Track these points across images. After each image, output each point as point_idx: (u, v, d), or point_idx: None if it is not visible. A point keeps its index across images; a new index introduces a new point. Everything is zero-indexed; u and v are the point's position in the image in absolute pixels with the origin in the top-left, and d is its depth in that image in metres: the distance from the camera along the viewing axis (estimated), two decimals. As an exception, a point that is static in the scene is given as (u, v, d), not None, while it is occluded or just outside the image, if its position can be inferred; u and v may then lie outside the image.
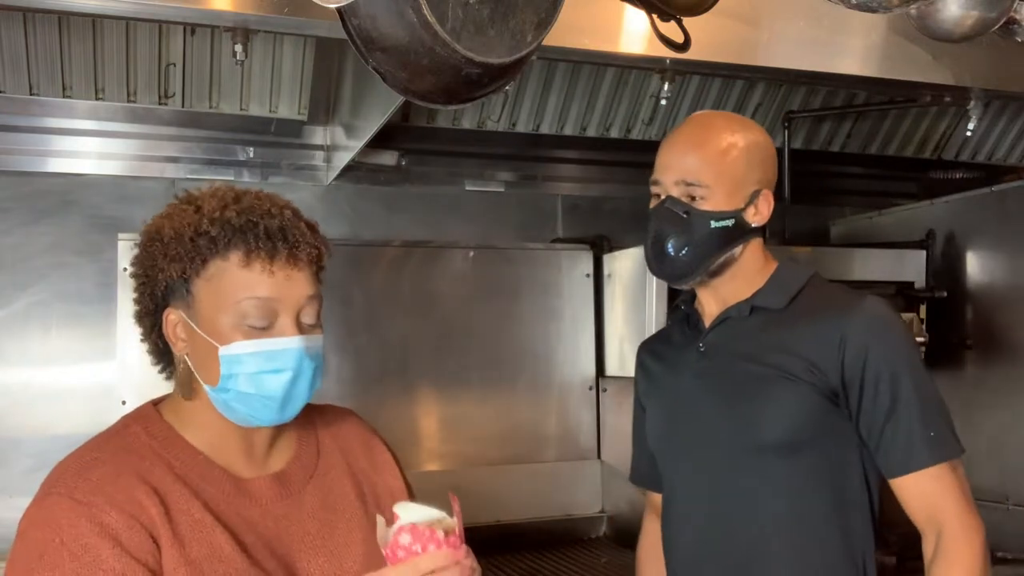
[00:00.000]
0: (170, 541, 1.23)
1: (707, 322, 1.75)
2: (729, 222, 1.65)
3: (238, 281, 1.28)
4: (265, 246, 1.29)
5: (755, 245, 1.71)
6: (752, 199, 1.67)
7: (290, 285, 1.30)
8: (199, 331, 1.30)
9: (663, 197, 1.68)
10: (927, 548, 1.60)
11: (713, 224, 1.64)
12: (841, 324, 1.60)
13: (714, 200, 1.64)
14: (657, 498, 1.87)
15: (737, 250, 1.69)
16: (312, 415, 1.48)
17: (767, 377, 1.63)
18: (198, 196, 1.36)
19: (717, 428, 1.68)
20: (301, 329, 1.32)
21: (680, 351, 1.79)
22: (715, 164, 1.64)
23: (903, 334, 1.65)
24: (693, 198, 1.65)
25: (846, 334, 1.59)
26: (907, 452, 1.58)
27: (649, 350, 1.90)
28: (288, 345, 1.30)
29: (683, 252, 1.65)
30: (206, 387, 1.32)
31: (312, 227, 1.37)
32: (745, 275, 1.71)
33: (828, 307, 1.65)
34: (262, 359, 1.29)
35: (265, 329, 1.29)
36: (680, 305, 1.84)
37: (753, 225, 1.68)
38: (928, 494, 1.59)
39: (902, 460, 1.59)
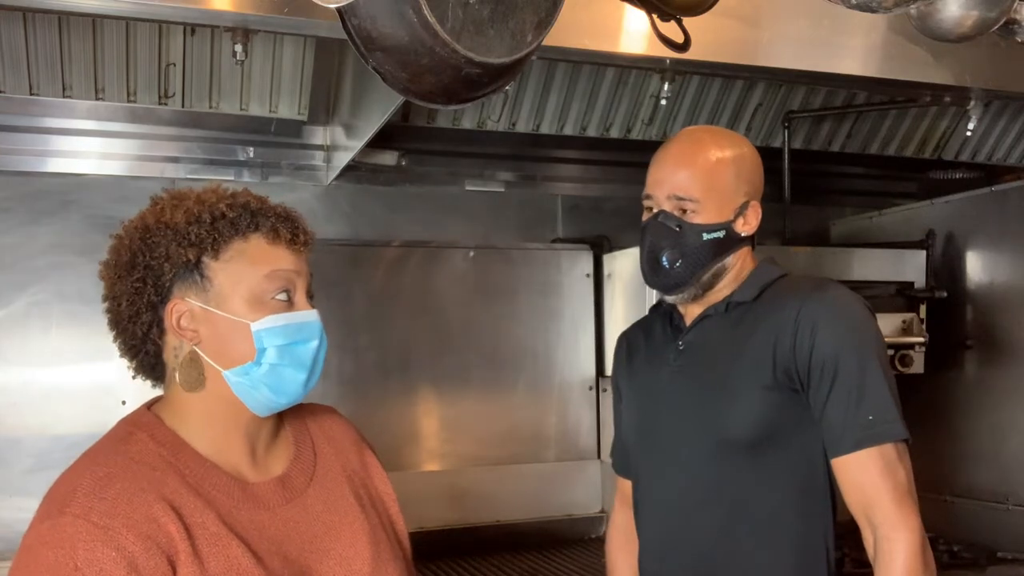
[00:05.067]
0: (189, 558, 1.22)
1: (688, 321, 1.79)
2: (720, 233, 1.71)
3: (265, 256, 1.33)
4: (285, 224, 1.36)
5: (743, 253, 1.77)
6: (741, 210, 1.73)
7: (302, 262, 1.38)
8: (221, 313, 1.31)
9: (656, 211, 1.73)
10: (867, 545, 1.61)
11: (704, 236, 1.70)
12: (798, 306, 1.65)
13: (705, 213, 1.70)
14: (628, 486, 1.90)
15: (728, 260, 1.74)
16: (302, 414, 1.48)
17: (736, 375, 1.68)
18: (186, 192, 1.38)
19: (687, 423, 1.73)
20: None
21: (660, 346, 1.84)
22: (705, 179, 1.70)
23: (858, 318, 1.66)
24: (684, 212, 1.70)
25: (801, 315, 1.63)
26: (841, 434, 1.61)
27: (629, 338, 1.95)
28: (310, 317, 1.37)
29: (677, 264, 1.71)
30: (225, 372, 1.31)
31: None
32: (732, 280, 1.76)
33: (792, 294, 1.69)
34: (293, 330, 1.34)
35: (288, 304, 1.35)
36: (663, 301, 1.87)
37: (742, 235, 1.74)
38: (861, 481, 1.59)
39: (836, 441, 1.61)
